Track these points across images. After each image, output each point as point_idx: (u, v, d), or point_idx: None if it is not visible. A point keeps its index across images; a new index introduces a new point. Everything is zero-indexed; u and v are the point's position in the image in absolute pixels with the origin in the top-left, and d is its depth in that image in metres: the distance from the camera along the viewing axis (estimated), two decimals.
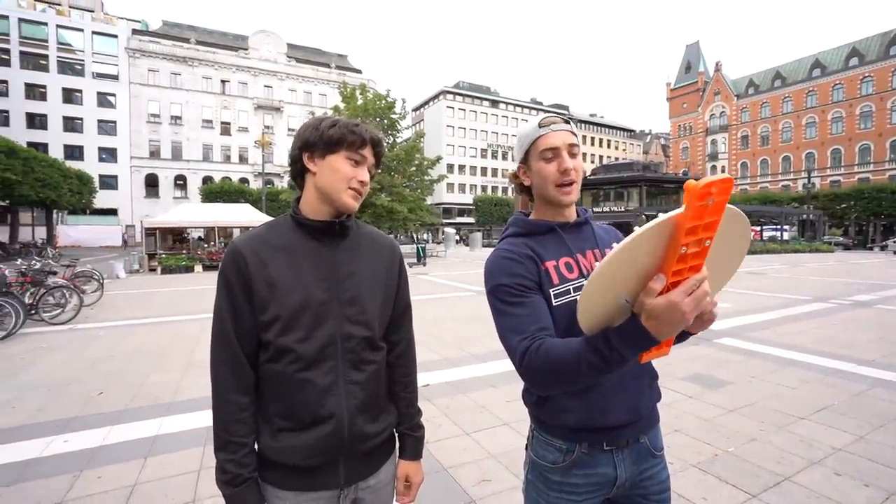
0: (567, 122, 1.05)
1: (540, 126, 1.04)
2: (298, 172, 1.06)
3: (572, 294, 1.01)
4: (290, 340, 0.97)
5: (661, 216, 0.62)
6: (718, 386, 4.14)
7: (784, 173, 57.12)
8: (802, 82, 55.87)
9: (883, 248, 35.01)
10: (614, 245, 0.66)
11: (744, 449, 2.91)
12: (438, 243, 38.53)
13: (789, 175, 56.36)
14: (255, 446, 1.01)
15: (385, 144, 1.13)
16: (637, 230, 0.62)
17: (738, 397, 3.84)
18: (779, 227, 37.31)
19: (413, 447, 1.17)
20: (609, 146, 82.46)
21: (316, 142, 1.01)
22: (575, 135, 1.05)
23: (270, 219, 1.12)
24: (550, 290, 1.00)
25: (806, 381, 4.25)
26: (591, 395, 1.00)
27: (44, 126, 42.13)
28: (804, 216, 39.54)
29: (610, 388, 1.00)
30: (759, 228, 39.44)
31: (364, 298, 1.05)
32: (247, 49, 51.02)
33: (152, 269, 17.23)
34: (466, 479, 2.58)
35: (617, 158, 76.45)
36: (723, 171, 63.99)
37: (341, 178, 1.01)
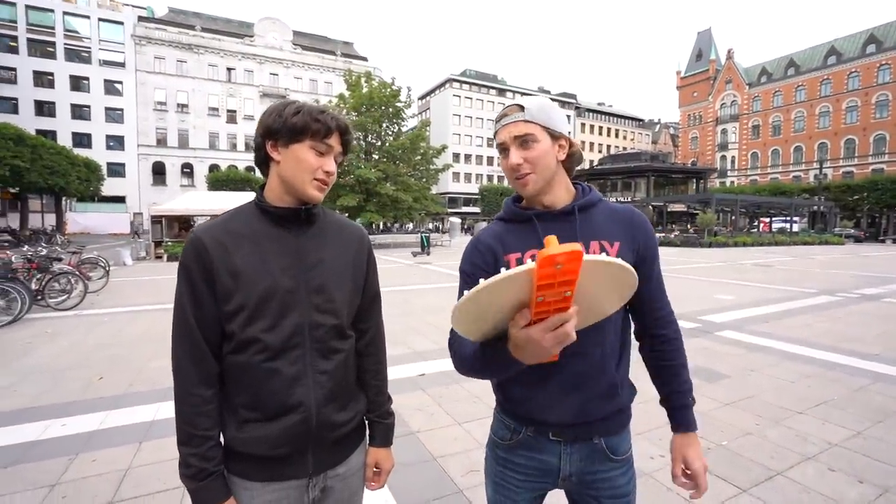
0: (522, 108, 0.99)
1: (495, 122, 1.05)
2: (262, 160, 1.03)
3: None
4: (256, 330, 0.95)
5: (517, 268, 0.65)
6: (717, 379, 4.10)
7: (795, 164, 56.22)
8: (817, 70, 54.64)
9: (895, 241, 34.48)
10: (480, 282, 0.67)
11: (737, 443, 2.88)
12: (444, 232, 38.51)
13: (801, 166, 55.47)
14: (221, 439, 1.00)
15: (353, 131, 1.10)
16: (500, 274, 0.66)
17: (736, 391, 3.81)
18: (788, 218, 36.83)
19: (383, 434, 1.17)
20: (617, 136, 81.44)
21: (279, 129, 0.97)
22: (531, 122, 0.98)
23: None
24: None
25: (806, 376, 4.20)
26: (538, 390, 1.02)
27: (52, 114, 42.31)
28: (815, 207, 39.00)
29: (556, 389, 1.00)
30: (768, 220, 38.98)
31: (332, 286, 1.03)
32: (252, 36, 50.71)
33: (158, 257, 17.38)
34: (455, 468, 2.58)
35: (625, 148, 75.60)
36: (732, 161, 63.15)
37: (305, 168, 0.98)
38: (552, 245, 0.61)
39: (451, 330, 0.99)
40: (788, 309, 7.49)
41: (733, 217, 36.59)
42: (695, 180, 46.11)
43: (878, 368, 4.38)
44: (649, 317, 1.08)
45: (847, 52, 52.59)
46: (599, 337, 0.99)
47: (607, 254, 1.00)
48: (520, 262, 1.02)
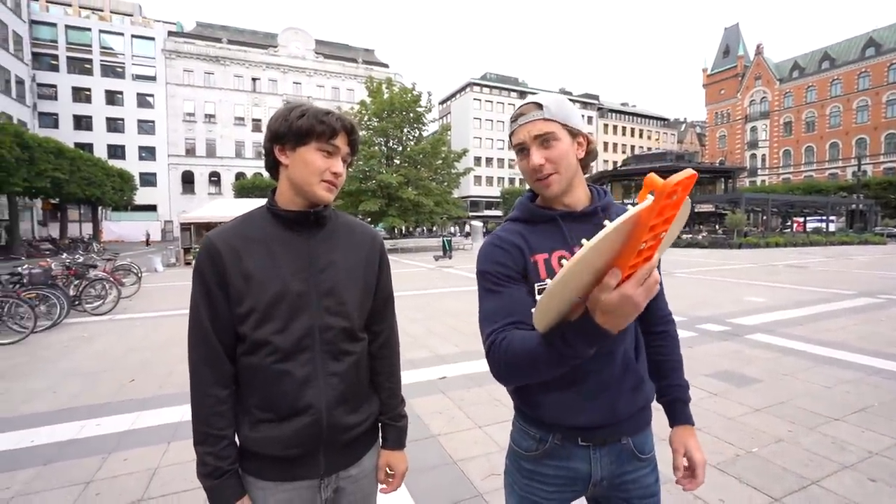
0: (540, 106, 0.95)
1: (511, 121, 1.01)
2: (272, 165, 1.05)
3: None
4: (267, 332, 0.97)
5: (627, 213, 0.60)
6: (746, 383, 3.96)
7: (831, 161, 53.92)
8: (854, 63, 52.33)
9: None
10: (584, 242, 0.62)
11: (769, 450, 2.77)
12: (467, 236, 38.51)
13: (837, 163, 53.16)
14: (236, 438, 1.02)
15: (360, 131, 1.11)
16: (603, 231, 0.61)
17: (767, 396, 3.66)
18: (824, 217, 35.28)
19: (395, 437, 1.16)
20: (641, 136, 79.88)
21: (286, 133, 0.99)
22: (551, 120, 0.94)
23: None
24: (536, 285, 0.98)
25: (844, 381, 4.01)
26: (567, 393, 0.98)
27: (89, 127, 44.43)
28: (853, 206, 37.21)
29: (585, 390, 0.97)
30: (802, 220, 37.46)
31: (342, 289, 1.04)
32: (276, 47, 52.07)
33: (188, 263, 17.97)
34: (475, 472, 2.56)
35: (649, 148, 73.99)
36: (763, 159, 61.14)
37: (313, 171, 0.99)
38: (654, 178, 0.57)
39: (490, 335, 0.92)
40: (824, 311, 7.17)
41: (764, 217, 35.31)
42: (723, 180, 44.64)
43: None
44: (654, 315, 1.12)
45: (887, 42, 50.15)
46: (622, 333, 0.95)
47: None
48: (547, 262, 0.99)
